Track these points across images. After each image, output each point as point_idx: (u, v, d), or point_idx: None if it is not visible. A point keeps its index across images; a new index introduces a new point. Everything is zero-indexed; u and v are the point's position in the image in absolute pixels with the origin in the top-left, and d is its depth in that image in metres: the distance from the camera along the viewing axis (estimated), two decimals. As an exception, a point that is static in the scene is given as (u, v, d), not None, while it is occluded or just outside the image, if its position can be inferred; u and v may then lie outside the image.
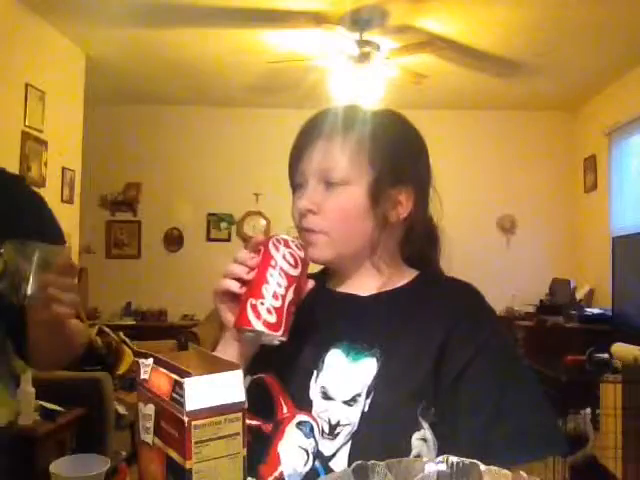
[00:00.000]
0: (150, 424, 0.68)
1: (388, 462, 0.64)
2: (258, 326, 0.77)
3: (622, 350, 3.30)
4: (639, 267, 4.08)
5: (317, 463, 0.81)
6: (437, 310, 0.87)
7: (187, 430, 0.60)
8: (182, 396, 0.61)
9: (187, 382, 0.61)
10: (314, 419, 0.83)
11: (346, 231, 0.88)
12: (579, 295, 5.32)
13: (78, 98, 4.65)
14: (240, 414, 0.63)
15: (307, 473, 0.80)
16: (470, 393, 0.81)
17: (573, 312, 4.93)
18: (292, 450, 0.82)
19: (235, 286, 0.81)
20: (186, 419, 0.60)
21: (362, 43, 4.07)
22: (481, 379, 0.82)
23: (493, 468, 0.69)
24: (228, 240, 6.16)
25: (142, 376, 0.70)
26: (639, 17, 3.84)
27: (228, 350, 0.84)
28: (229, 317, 0.83)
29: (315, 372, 0.86)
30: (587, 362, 3.40)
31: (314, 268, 1.06)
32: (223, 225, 6.17)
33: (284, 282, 0.79)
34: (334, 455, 0.81)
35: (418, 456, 0.78)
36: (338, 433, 0.82)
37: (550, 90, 5.42)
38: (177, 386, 0.62)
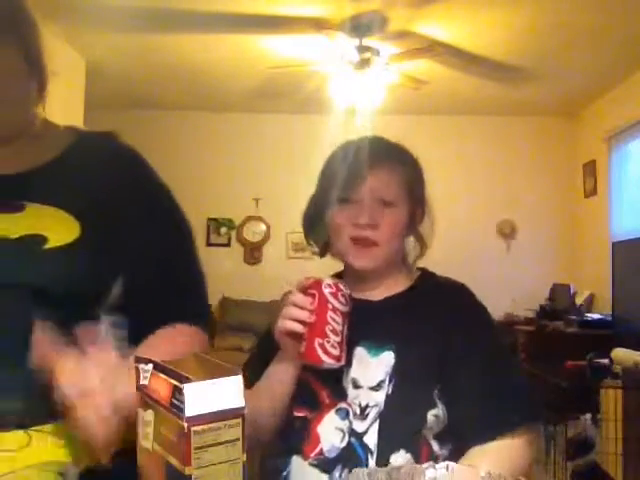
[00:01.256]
0: (150, 430, 0.67)
1: (388, 468, 0.64)
2: (328, 361, 0.95)
3: (622, 355, 3.30)
4: (639, 272, 4.08)
5: (352, 439, 1.00)
6: (439, 309, 1.07)
7: (187, 436, 0.60)
8: (182, 402, 0.61)
9: (187, 388, 0.61)
10: (348, 405, 1.03)
11: (393, 244, 1.09)
12: (579, 300, 5.31)
13: (78, 103, 4.66)
14: (240, 419, 0.63)
15: (344, 448, 1.00)
16: (465, 377, 1.01)
17: (573, 317, 4.92)
18: (330, 430, 1.02)
19: (300, 328, 0.97)
20: (186, 425, 0.60)
21: (362, 49, 4.08)
22: (473, 364, 1.01)
23: (492, 473, 0.69)
24: (228, 245, 6.17)
25: (141, 381, 0.70)
26: (638, 23, 3.85)
27: (282, 367, 1.05)
28: (293, 349, 1.00)
29: (346, 369, 1.03)
30: (587, 367, 3.39)
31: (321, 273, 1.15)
32: (223, 230, 6.17)
33: (341, 320, 0.96)
34: (366, 432, 1.00)
35: (430, 429, 0.99)
36: (368, 414, 1.01)
37: (550, 95, 5.43)
38: (177, 392, 0.62)
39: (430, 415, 1.00)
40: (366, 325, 1.05)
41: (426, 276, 1.16)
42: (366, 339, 1.05)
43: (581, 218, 5.87)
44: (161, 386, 0.66)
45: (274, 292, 6.72)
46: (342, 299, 0.96)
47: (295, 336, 0.98)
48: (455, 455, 0.99)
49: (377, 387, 1.02)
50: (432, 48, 4.12)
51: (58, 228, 0.87)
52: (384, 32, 4.05)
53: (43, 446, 0.81)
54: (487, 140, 6.09)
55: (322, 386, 1.06)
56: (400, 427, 0.99)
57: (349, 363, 1.04)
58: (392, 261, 1.11)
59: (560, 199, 6.02)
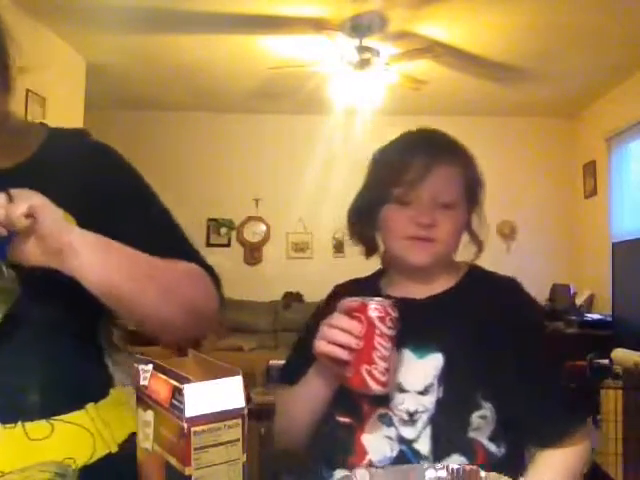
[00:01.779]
0: (149, 430, 0.67)
1: (388, 467, 0.64)
2: (375, 388, 0.89)
3: (623, 356, 3.30)
4: (639, 272, 4.07)
5: (403, 447, 0.96)
6: (488, 307, 1.02)
7: (187, 436, 0.60)
8: (182, 402, 0.61)
9: (187, 388, 0.61)
10: (393, 411, 0.98)
11: (451, 243, 1.05)
12: (579, 301, 5.31)
13: (79, 104, 4.66)
14: (240, 420, 0.63)
15: (396, 457, 0.96)
16: (519, 380, 0.97)
17: (573, 318, 4.92)
18: (378, 439, 0.98)
19: (345, 355, 0.90)
20: (186, 425, 0.60)
21: (362, 49, 4.08)
22: (527, 367, 0.98)
23: (492, 474, 0.69)
24: (228, 245, 6.16)
25: (141, 382, 0.70)
26: (638, 23, 3.85)
27: (320, 380, 1.00)
28: (333, 370, 0.94)
29: None
30: (587, 368, 3.39)
31: (361, 272, 1.16)
32: (223, 230, 6.17)
33: (389, 345, 0.89)
34: (417, 438, 0.96)
35: (477, 429, 0.96)
36: (417, 419, 0.97)
37: (550, 96, 5.43)
38: (177, 392, 0.62)
39: (475, 417, 0.96)
40: (410, 325, 0.97)
41: (474, 272, 1.11)
42: (410, 340, 0.99)
43: (581, 218, 5.87)
44: (161, 387, 0.66)
45: (274, 292, 6.75)
46: (390, 323, 0.89)
47: (337, 360, 0.92)
48: (513, 457, 0.98)
49: (425, 391, 0.98)
50: (432, 48, 4.12)
51: None
52: (384, 32, 4.05)
53: (66, 435, 0.84)
54: (487, 141, 6.07)
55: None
56: (452, 431, 0.96)
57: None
58: (444, 260, 1.08)
59: (560, 199, 6.02)
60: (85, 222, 0.82)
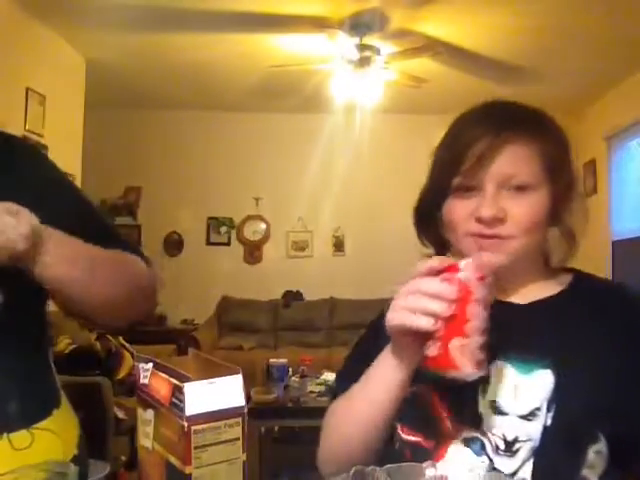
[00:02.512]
0: (150, 429, 0.67)
1: (388, 467, 0.64)
2: (468, 370, 0.71)
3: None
4: (639, 270, 4.08)
5: (507, 475, 0.78)
6: (606, 317, 0.84)
7: (187, 435, 0.60)
8: (182, 401, 0.61)
9: (187, 387, 0.61)
10: (485, 435, 0.81)
11: (532, 237, 0.84)
12: (579, 299, 5.31)
13: (78, 102, 4.66)
14: (240, 419, 0.63)
15: None
16: None
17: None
18: (460, 469, 0.78)
19: (430, 324, 0.71)
20: (186, 424, 0.60)
21: (362, 47, 4.07)
22: None
23: (493, 474, 0.68)
24: (228, 244, 6.16)
25: (142, 381, 0.70)
26: (639, 23, 3.84)
27: (388, 371, 0.80)
28: (412, 351, 0.76)
29: (482, 386, 0.81)
30: None
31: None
32: (223, 229, 6.17)
33: (486, 314, 0.71)
34: (515, 473, 0.78)
35: (590, 467, 0.77)
36: (517, 449, 0.79)
37: (550, 95, 5.40)
38: (177, 391, 0.62)
39: (592, 452, 0.77)
40: (509, 333, 0.81)
41: (580, 278, 0.93)
42: (510, 351, 0.82)
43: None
44: (161, 385, 0.66)
45: (274, 291, 6.74)
46: (488, 287, 0.71)
47: (418, 335, 0.73)
48: None
49: (530, 416, 0.79)
50: (432, 47, 4.12)
51: None
52: (384, 31, 4.04)
53: (45, 443, 0.85)
54: (487, 139, 6.08)
55: (445, 406, 0.83)
56: (560, 467, 0.77)
57: (486, 380, 0.81)
58: (533, 258, 0.88)
59: (560, 198, 6.02)
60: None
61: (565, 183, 0.86)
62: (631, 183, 4.95)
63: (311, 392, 3.31)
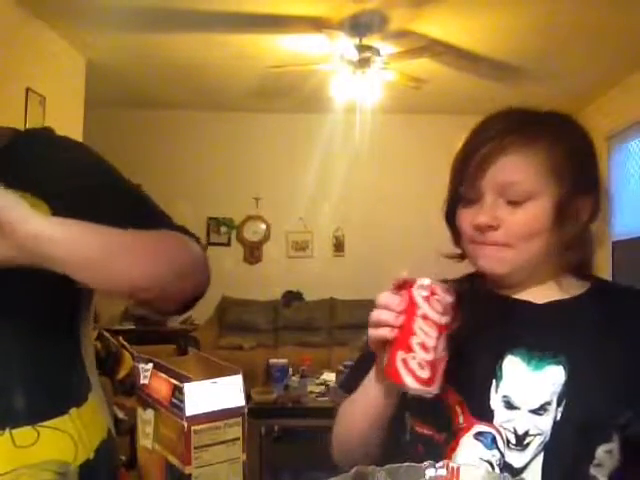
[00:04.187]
0: (150, 429, 0.67)
1: (388, 467, 0.64)
2: (410, 382, 0.74)
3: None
4: (639, 271, 4.08)
5: (507, 475, 0.76)
6: (625, 319, 0.84)
7: (187, 435, 0.60)
8: (182, 401, 0.61)
9: (187, 387, 0.61)
10: (496, 429, 0.82)
11: (530, 245, 0.84)
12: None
13: (78, 102, 4.65)
14: (240, 419, 0.63)
15: None
16: None
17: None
18: (472, 462, 0.80)
19: (386, 332, 0.76)
20: (186, 424, 0.60)
21: (362, 48, 4.07)
22: None
23: (493, 474, 0.68)
24: (228, 244, 6.16)
25: (142, 381, 0.70)
26: (638, 23, 3.85)
27: (373, 392, 0.84)
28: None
29: (494, 381, 0.83)
30: None
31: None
32: (223, 229, 6.17)
33: (434, 333, 0.73)
34: (526, 467, 0.80)
35: (598, 465, 0.79)
36: (528, 443, 0.80)
37: (549, 95, 5.41)
38: (177, 391, 0.62)
39: (601, 450, 0.79)
40: (523, 329, 0.84)
41: (600, 283, 0.92)
42: (522, 346, 0.84)
43: (581, 217, 5.87)
44: (161, 385, 0.66)
45: (274, 291, 6.73)
46: (437, 306, 0.74)
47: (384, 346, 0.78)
48: None
49: (540, 410, 0.81)
50: (431, 47, 4.12)
51: None
52: (384, 31, 4.04)
53: (51, 441, 0.82)
54: (487, 139, 6.08)
55: (457, 400, 0.84)
56: (568, 463, 0.79)
57: (497, 374, 0.84)
58: (537, 264, 0.87)
59: (560, 198, 6.01)
60: (64, 209, 0.81)
61: (576, 185, 0.85)
62: (631, 183, 4.95)
63: (311, 392, 3.31)
